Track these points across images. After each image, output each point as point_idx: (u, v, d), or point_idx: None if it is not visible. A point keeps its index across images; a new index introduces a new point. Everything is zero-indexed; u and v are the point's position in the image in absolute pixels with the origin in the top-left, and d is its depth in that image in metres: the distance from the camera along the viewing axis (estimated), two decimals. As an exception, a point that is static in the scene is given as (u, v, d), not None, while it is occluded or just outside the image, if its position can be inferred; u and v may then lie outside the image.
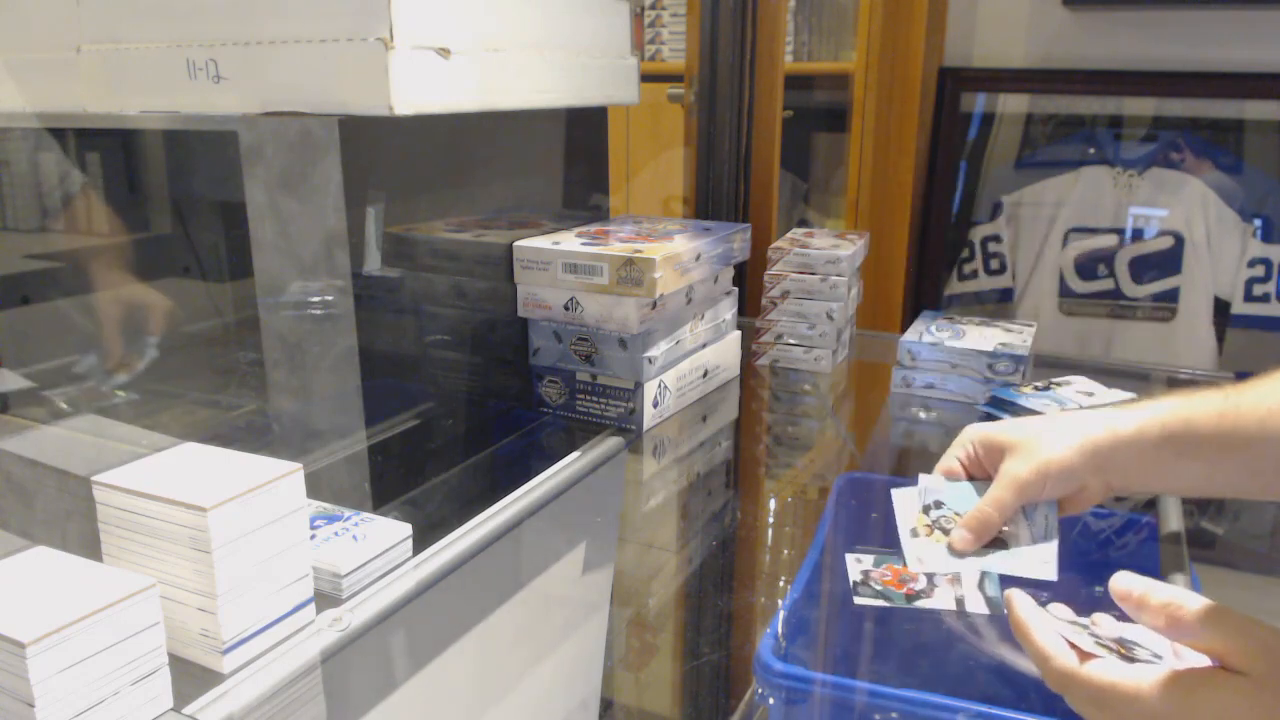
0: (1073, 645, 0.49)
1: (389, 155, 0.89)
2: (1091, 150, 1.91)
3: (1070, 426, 0.64)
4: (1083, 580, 0.78)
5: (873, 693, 0.62)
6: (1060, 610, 0.54)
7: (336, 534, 0.72)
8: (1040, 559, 0.63)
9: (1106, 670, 0.47)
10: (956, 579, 0.78)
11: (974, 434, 0.68)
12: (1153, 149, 1.87)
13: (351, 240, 0.83)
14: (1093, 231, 1.92)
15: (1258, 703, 0.43)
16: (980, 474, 0.68)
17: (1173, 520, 0.79)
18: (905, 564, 0.64)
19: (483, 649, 0.74)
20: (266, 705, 0.58)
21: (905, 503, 0.68)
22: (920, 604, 0.75)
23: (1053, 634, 0.50)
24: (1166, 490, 0.77)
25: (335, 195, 0.82)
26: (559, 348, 1.03)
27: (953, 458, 0.69)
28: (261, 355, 0.88)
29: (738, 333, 1.21)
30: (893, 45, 1.85)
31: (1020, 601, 0.53)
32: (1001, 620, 0.74)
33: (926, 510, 0.67)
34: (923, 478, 0.69)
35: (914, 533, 0.66)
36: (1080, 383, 1.13)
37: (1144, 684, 0.45)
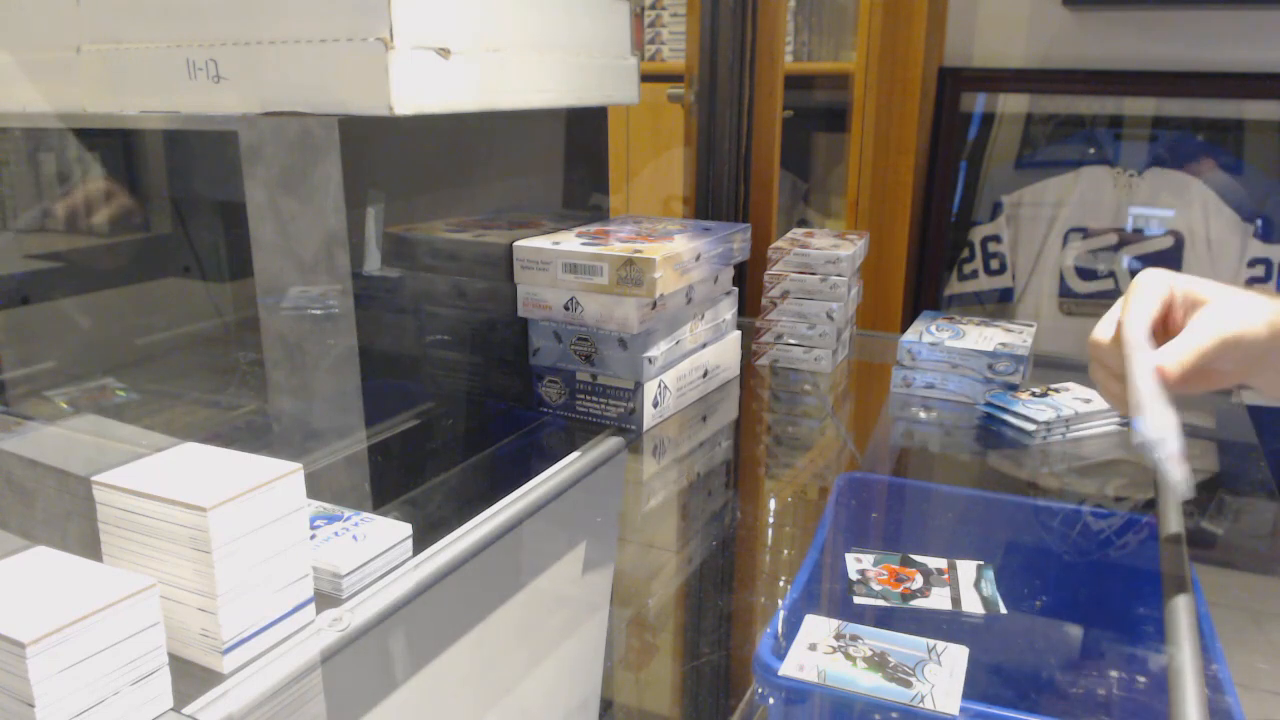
0: None
1: (389, 155, 0.89)
2: (1091, 150, 1.91)
3: (1263, 302, 0.64)
4: (1083, 581, 0.78)
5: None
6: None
7: (336, 534, 0.72)
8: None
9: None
10: (954, 578, 0.78)
11: (1174, 283, 0.66)
12: (1153, 149, 1.87)
13: (351, 240, 0.83)
14: (1093, 231, 1.92)
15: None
16: (1163, 333, 0.65)
17: (1172, 520, 0.79)
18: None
19: (483, 649, 0.74)
20: (266, 705, 0.58)
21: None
22: (916, 604, 0.75)
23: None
24: None
25: (335, 195, 0.82)
26: (559, 348, 1.03)
27: (1148, 314, 0.66)
28: (261, 355, 0.88)
29: (738, 333, 1.21)
30: (893, 45, 1.85)
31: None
32: (999, 620, 0.74)
33: None
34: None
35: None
36: (1076, 389, 1.13)
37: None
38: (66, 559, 0.55)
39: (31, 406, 1.02)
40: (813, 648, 0.65)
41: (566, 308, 1.01)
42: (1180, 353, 0.62)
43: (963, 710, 0.59)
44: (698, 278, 1.07)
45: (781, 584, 0.84)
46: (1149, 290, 0.66)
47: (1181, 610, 0.62)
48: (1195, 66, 1.83)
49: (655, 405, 1.03)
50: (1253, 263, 1.80)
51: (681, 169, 1.60)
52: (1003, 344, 1.15)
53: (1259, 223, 1.80)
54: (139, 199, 1.13)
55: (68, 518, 0.74)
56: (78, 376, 1.06)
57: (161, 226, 1.13)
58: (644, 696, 0.77)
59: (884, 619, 0.73)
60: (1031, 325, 1.23)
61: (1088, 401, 1.09)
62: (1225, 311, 0.63)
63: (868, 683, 0.61)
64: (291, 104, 0.77)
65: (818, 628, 0.67)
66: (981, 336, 1.17)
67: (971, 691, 0.61)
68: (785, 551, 0.92)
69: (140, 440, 0.89)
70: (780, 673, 0.62)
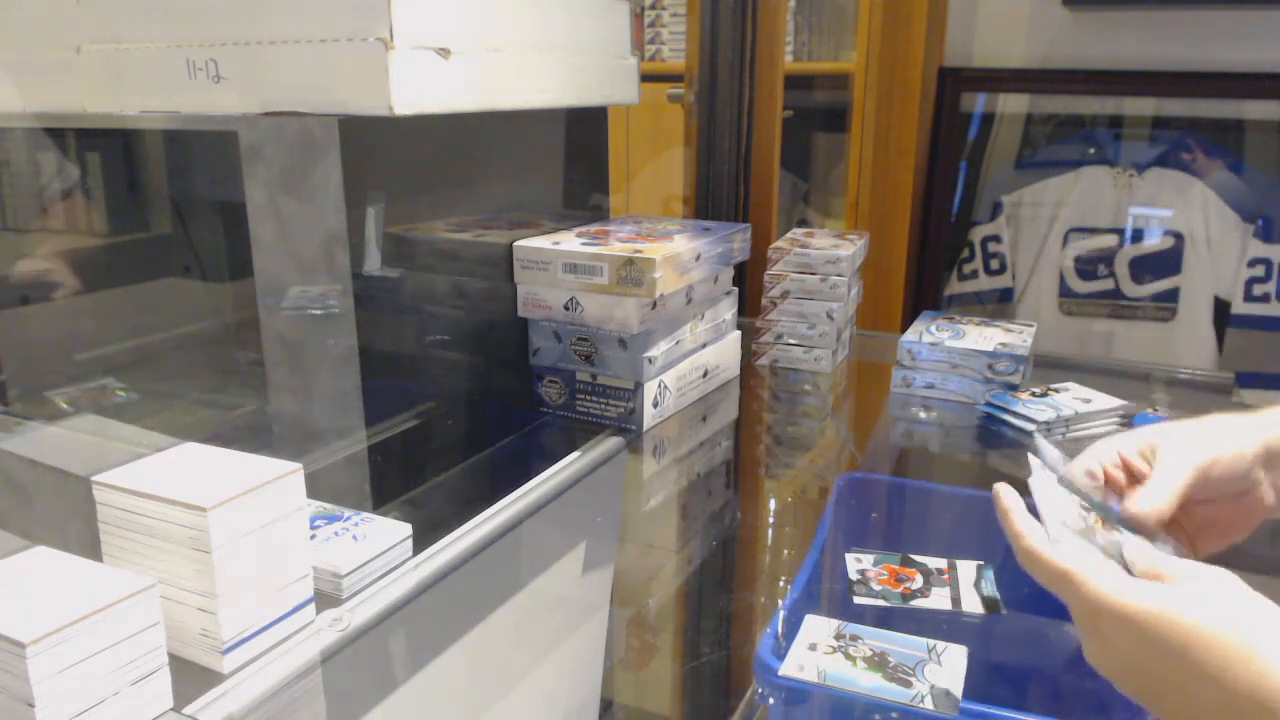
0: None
1: (389, 155, 0.89)
2: (1091, 150, 1.91)
3: (1239, 422, 0.57)
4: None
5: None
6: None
7: (336, 534, 0.72)
8: None
9: (1063, 556, 0.49)
10: (954, 578, 0.78)
11: (1123, 442, 0.58)
12: (1152, 149, 1.87)
13: (351, 240, 0.83)
14: (1093, 231, 1.92)
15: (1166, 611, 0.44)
16: (1121, 489, 0.57)
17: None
18: None
19: (483, 649, 0.74)
20: (266, 705, 0.58)
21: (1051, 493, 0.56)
22: (916, 604, 0.75)
23: (1028, 519, 0.53)
24: None
25: (335, 195, 0.82)
26: (559, 348, 1.03)
27: (1095, 462, 0.58)
28: (261, 355, 0.88)
29: (738, 333, 1.21)
30: (893, 45, 1.85)
31: (1006, 491, 0.55)
32: (1000, 620, 0.74)
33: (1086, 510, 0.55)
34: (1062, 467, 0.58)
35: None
36: (1076, 389, 1.13)
37: (1088, 575, 0.47)
38: (66, 559, 0.55)
39: (31, 406, 1.02)
40: (813, 648, 0.65)
41: (566, 308, 1.01)
42: (1152, 495, 0.54)
43: (963, 710, 0.59)
44: (698, 278, 1.07)
45: (781, 584, 0.84)
46: (1101, 451, 0.59)
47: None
48: (1195, 66, 1.83)
49: (655, 405, 1.03)
50: (1253, 263, 1.81)
51: (681, 169, 1.60)
52: (1003, 344, 1.15)
53: (1259, 223, 1.80)
54: (139, 199, 1.13)
55: (68, 518, 0.74)
56: (78, 376, 1.05)
57: (161, 226, 1.13)
58: (644, 696, 0.77)
59: (884, 619, 0.72)
60: (1031, 325, 1.23)
61: (1088, 401, 1.09)
62: (1188, 441, 0.56)
63: (868, 683, 0.61)
64: (291, 104, 0.77)
65: (818, 628, 0.67)
66: (981, 336, 1.17)
67: (971, 691, 0.61)
68: (785, 551, 0.92)
69: (140, 440, 0.89)
70: (780, 673, 0.62)
